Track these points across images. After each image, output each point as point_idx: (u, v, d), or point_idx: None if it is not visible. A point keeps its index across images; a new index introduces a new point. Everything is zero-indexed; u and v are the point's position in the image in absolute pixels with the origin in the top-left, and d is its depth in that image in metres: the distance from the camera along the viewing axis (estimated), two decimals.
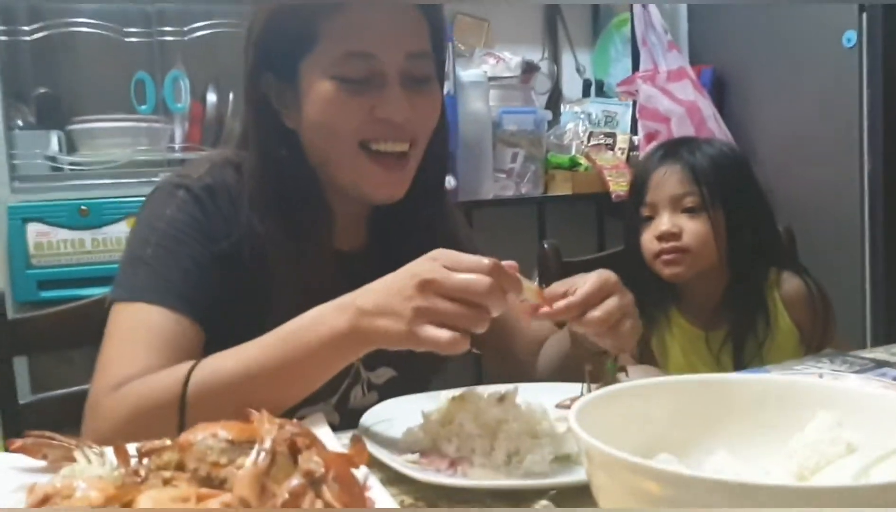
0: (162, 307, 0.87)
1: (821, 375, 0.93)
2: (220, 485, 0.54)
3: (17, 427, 1.15)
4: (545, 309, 0.80)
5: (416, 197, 0.98)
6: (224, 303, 0.90)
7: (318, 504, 0.50)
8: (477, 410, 0.76)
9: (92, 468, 0.64)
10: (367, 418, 0.81)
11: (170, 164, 2.17)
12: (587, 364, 0.88)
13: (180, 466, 0.58)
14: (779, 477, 0.59)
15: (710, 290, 1.40)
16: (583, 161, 2.62)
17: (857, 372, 1.02)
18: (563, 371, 0.98)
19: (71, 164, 2.12)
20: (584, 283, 0.82)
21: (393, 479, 0.68)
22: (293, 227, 0.95)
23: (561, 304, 0.80)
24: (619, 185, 2.53)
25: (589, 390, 0.86)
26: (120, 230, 2.08)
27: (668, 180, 1.36)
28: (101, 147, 2.16)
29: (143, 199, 1.00)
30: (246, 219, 0.94)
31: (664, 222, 1.35)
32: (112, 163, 2.13)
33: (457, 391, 0.80)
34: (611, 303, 0.81)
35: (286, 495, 0.49)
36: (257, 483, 0.50)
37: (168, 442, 0.62)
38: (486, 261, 0.73)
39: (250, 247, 0.93)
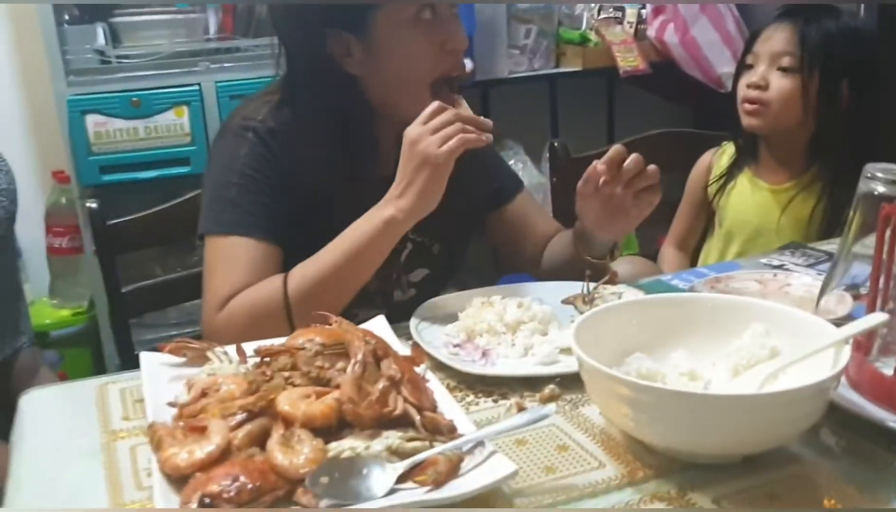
0: (248, 238, 1.08)
1: (774, 275, 1.13)
2: (326, 383, 0.77)
3: (122, 310, 1.39)
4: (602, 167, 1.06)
5: None
6: (295, 225, 1.11)
7: (399, 399, 0.73)
8: (501, 313, 0.99)
9: (224, 367, 0.87)
10: (417, 316, 1.03)
11: (207, 54, 2.31)
12: (587, 269, 1.10)
13: (294, 368, 0.80)
14: (720, 369, 0.81)
15: (791, 148, 1.48)
16: (592, 36, 2.72)
17: (809, 265, 1.23)
18: (563, 270, 1.19)
19: (118, 56, 2.26)
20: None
21: (440, 366, 0.91)
22: (345, 157, 1.13)
23: (602, 160, 1.06)
24: (626, 61, 2.65)
25: (588, 289, 1.09)
26: (168, 119, 2.26)
27: (775, 37, 1.45)
28: (143, 39, 2.29)
29: (216, 137, 1.19)
30: (306, 152, 1.11)
31: (757, 73, 1.45)
32: (155, 54, 2.27)
33: (484, 296, 1.03)
34: (630, 159, 1.05)
35: (378, 394, 0.72)
36: (357, 385, 0.73)
37: (277, 343, 0.85)
38: (434, 105, 1.02)
39: (310, 175, 1.12)
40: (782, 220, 1.48)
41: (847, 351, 0.71)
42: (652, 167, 1.07)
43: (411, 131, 1.02)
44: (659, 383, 0.78)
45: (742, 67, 1.50)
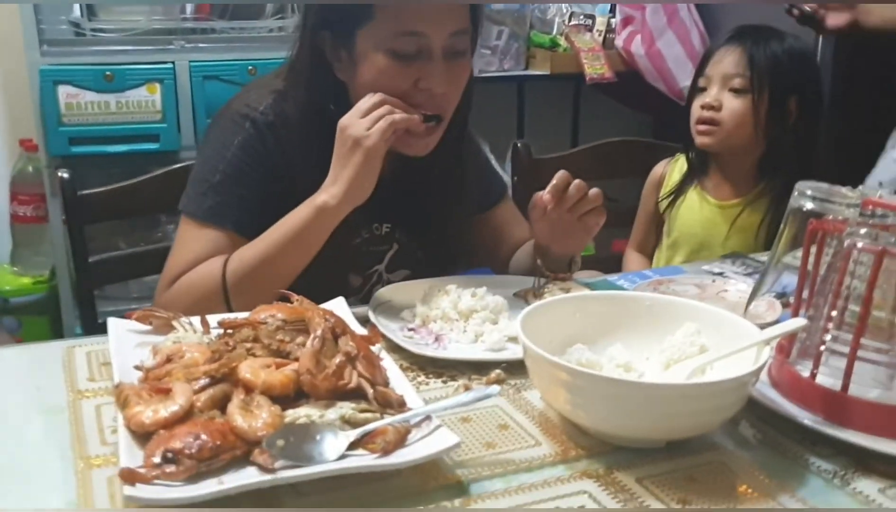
0: (222, 230, 1.11)
1: (713, 280, 1.20)
2: (286, 355, 0.81)
3: (88, 280, 1.41)
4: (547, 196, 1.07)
5: (438, 146, 1.15)
6: (272, 221, 1.11)
7: (354, 374, 0.77)
8: (456, 301, 1.04)
9: (189, 335, 0.90)
10: (375, 299, 1.07)
11: (183, 33, 2.33)
12: (538, 274, 1.16)
13: (256, 340, 0.85)
14: (653, 362, 0.87)
15: (740, 165, 1.55)
16: (562, 42, 2.79)
17: (748, 274, 1.30)
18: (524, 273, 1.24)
19: (92, 29, 2.26)
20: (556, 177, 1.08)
21: (395, 348, 0.96)
22: (329, 162, 1.11)
23: (548, 189, 1.07)
24: (593, 69, 2.72)
25: (538, 283, 1.15)
26: (140, 95, 2.27)
27: (725, 59, 1.52)
28: (119, 13, 2.30)
29: (209, 123, 1.21)
30: (295, 149, 1.13)
31: (710, 95, 1.52)
32: (131, 30, 2.28)
33: (441, 284, 1.07)
34: (572, 185, 1.07)
35: (334, 368, 0.77)
36: (315, 359, 0.77)
37: (240, 317, 0.89)
38: (374, 97, 1.04)
39: (297, 174, 1.12)
40: (729, 234, 1.55)
41: (767, 351, 0.77)
42: (594, 192, 1.09)
43: (343, 119, 1.04)
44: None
45: (695, 89, 1.57)
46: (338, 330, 0.84)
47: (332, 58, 1.13)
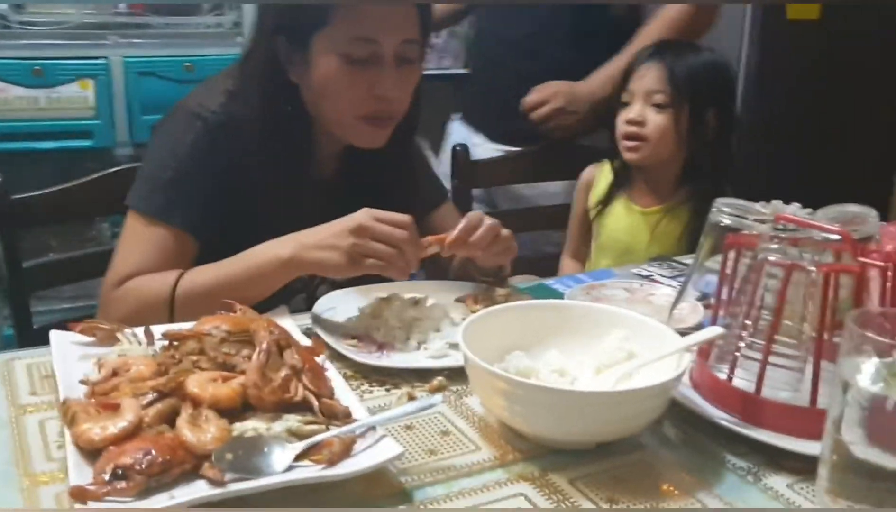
0: (170, 226, 1.12)
1: (641, 285, 1.26)
2: (231, 368, 0.83)
3: (21, 285, 1.39)
4: (445, 244, 1.08)
5: (389, 144, 1.20)
6: (221, 222, 1.14)
7: (300, 387, 0.80)
8: (398, 309, 1.07)
9: (133, 348, 0.92)
10: (318, 307, 1.10)
11: (117, 28, 2.29)
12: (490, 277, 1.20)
13: (201, 352, 0.86)
14: (586, 367, 0.92)
15: (662, 175, 1.62)
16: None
17: (674, 277, 1.36)
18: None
19: (20, 22, 2.21)
20: (466, 218, 1.10)
21: (338, 356, 0.98)
22: (282, 160, 1.16)
23: (449, 239, 1.08)
24: None
25: (478, 290, 1.19)
26: (72, 91, 2.23)
27: (647, 76, 1.57)
28: (48, 6, 2.24)
29: (157, 122, 1.21)
30: (246, 150, 1.14)
31: (634, 110, 1.58)
32: (61, 24, 2.23)
33: (384, 292, 1.10)
34: (480, 231, 1.09)
35: (280, 381, 0.79)
36: (261, 372, 0.79)
37: (185, 328, 0.90)
38: (405, 218, 1.02)
39: (248, 174, 1.15)
40: (651, 240, 1.62)
41: (688, 357, 0.83)
42: (505, 233, 1.13)
43: (364, 218, 1.02)
44: (532, 379, 0.88)
45: (619, 105, 1.62)
46: (282, 342, 0.86)
47: (285, 61, 1.15)
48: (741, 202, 0.92)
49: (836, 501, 0.67)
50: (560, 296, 1.24)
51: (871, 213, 0.90)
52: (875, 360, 0.67)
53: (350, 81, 1.12)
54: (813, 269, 0.83)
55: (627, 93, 1.60)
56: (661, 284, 1.30)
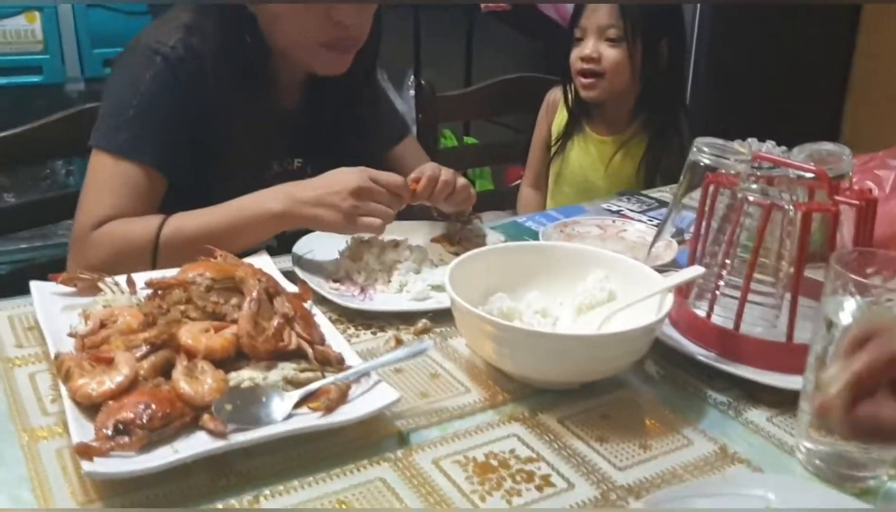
0: (138, 163, 1.09)
1: (613, 221, 1.27)
2: (222, 318, 0.83)
3: None
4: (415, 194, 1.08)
5: (350, 73, 1.18)
6: (189, 154, 1.13)
7: (293, 335, 0.80)
8: (378, 252, 1.07)
9: (118, 298, 0.90)
10: (297, 249, 1.09)
11: None
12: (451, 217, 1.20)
13: (188, 301, 0.85)
14: (567, 307, 0.93)
15: (618, 108, 1.63)
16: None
17: (643, 211, 1.38)
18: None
19: None
20: (425, 171, 1.09)
21: (322, 300, 0.98)
22: (244, 91, 1.15)
23: (417, 189, 1.08)
24: None
25: (452, 228, 1.19)
26: (18, 24, 2.13)
27: (600, 11, 1.56)
28: None
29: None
30: (207, 82, 1.12)
31: (588, 46, 1.57)
32: None
33: (364, 235, 1.10)
34: (439, 185, 1.09)
35: (273, 330, 0.79)
36: (253, 321, 0.79)
37: (169, 276, 0.89)
38: (399, 179, 1.04)
39: (210, 107, 1.13)
40: (608, 170, 1.64)
41: (670, 299, 0.85)
42: (461, 183, 1.13)
43: (363, 180, 1.01)
44: (517, 322, 0.89)
45: (572, 41, 1.61)
46: (271, 290, 0.86)
47: None
48: (720, 141, 0.93)
49: (820, 435, 0.71)
50: (534, 234, 1.25)
51: (845, 152, 0.92)
52: (857, 297, 0.69)
53: (306, 8, 1.10)
54: (790, 208, 0.85)
55: (580, 29, 1.59)
56: (632, 219, 1.31)
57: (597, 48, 1.57)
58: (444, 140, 2.84)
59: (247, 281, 0.85)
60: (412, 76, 2.77)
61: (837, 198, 0.85)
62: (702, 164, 0.92)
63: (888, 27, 2.81)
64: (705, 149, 0.91)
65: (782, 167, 0.88)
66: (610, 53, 1.56)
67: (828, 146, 0.92)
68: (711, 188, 0.90)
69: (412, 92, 2.73)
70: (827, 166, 0.89)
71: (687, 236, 1.21)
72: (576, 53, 1.60)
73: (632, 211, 1.38)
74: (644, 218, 1.34)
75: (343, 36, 1.13)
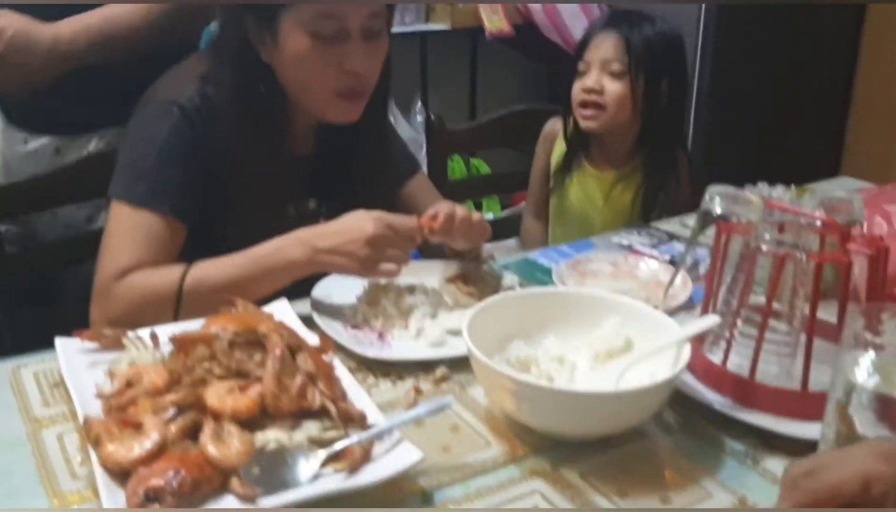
0: (158, 214, 1.11)
1: (626, 258, 1.28)
2: (246, 375, 0.84)
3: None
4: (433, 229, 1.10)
5: (363, 117, 1.20)
6: (204, 203, 1.14)
7: (316, 393, 0.81)
8: (395, 297, 1.08)
9: (142, 354, 0.91)
10: (316, 293, 1.10)
11: None
12: (464, 255, 1.21)
13: (212, 357, 0.86)
14: (584, 354, 0.94)
15: (618, 143, 1.64)
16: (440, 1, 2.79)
17: (654, 245, 1.39)
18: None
19: None
20: (441, 209, 1.11)
21: (341, 347, 0.99)
22: (260, 139, 1.16)
23: (435, 226, 1.10)
24: (492, 23, 2.74)
25: (465, 268, 1.20)
26: None
27: (604, 45, 1.57)
28: None
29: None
30: (224, 131, 1.14)
31: (591, 78, 1.58)
32: None
33: (380, 280, 1.11)
34: (458, 222, 1.11)
35: (297, 389, 0.80)
36: (277, 380, 0.80)
37: (192, 329, 0.90)
38: (413, 223, 1.06)
39: (227, 155, 1.15)
40: (605, 205, 1.65)
41: (687, 350, 0.85)
42: (477, 218, 1.15)
43: (379, 227, 1.04)
44: (534, 369, 0.91)
45: (575, 73, 1.62)
46: (293, 345, 0.87)
47: (256, 41, 1.14)
48: (732, 190, 0.94)
49: None
50: (547, 271, 1.26)
51: (856, 198, 0.92)
52: (871, 353, 0.70)
53: (319, 58, 1.12)
54: (803, 257, 0.86)
55: (583, 62, 1.61)
56: (644, 254, 1.32)
57: (599, 80, 1.58)
58: (450, 162, 2.86)
59: (270, 337, 0.86)
60: (419, 102, 2.79)
61: (849, 247, 0.85)
62: (715, 214, 0.92)
63: (889, 47, 2.82)
64: (717, 198, 0.92)
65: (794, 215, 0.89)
66: (612, 87, 1.57)
67: (839, 193, 0.93)
68: (724, 237, 0.91)
69: (420, 117, 2.75)
70: (838, 213, 0.90)
71: (702, 270, 1.23)
72: (578, 85, 1.61)
73: (642, 245, 1.39)
74: (655, 253, 1.35)
75: (354, 84, 1.15)
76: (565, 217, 1.71)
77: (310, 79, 1.14)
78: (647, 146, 1.63)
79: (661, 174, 1.62)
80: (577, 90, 1.61)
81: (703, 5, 2.66)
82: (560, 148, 1.71)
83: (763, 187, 0.97)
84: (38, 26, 1.28)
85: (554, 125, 1.75)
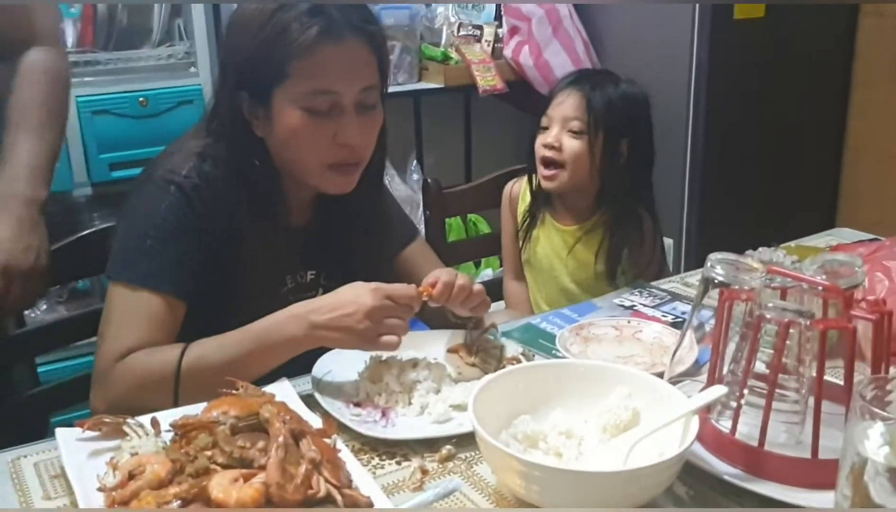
0: (158, 293, 1.12)
1: (629, 321, 1.29)
2: (249, 463, 0.83)
3: None
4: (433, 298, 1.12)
5: (359, 187, 1.22)
6: (203, 280, 1.15)
7: (322, 481, 0.81)
8: (398, 372, 1.08)
9: (144, 442, 0.91)
10: (316, 371, 1.10)
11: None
12: (466, 322, 1.21)
13: (214, 445, 0.86)
14: (592, 426, 0.94)
15: (579, 199, 1.66)
16: (453, 54, 2.84)
17: (656, 305, 1.40)
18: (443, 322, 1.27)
19: None
20: (440, 276, 1.13)
21: (344, 427, 0.99)
22: (257, 214, 1.18)
23: (434, 294, 1.11)
24: (485, 80, 2.78)
25: (469, 337, 1.20)
26: None
27: (566, 103, 1.60)
28: None
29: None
30: (222, 208, 1.16)
31: (551, 135, 1.61)
32: None
33: (381, 354, 1.11)
34: (456, 290, 1.13)
35: (301, 477, 0.80)
36: (281, 468, 0.80)
37: (192, 413, 0.90)
38: (412, 292, 1.06)
39: (225, 231, 1.16)
40: (569, 258, 1.67)
41: (696, 422, 0.86)
42: (477, 289, 1.16)
43: (377, 300, 1.04)
44: (541, 444, 0.90)
45: (538, 128, 1.65)
46: (296, 430, 0.87)
47: (249, 116, 1.17)
48: (732, 257, 0.95)
49: None
50: (550, 336, 1.26)
51: (857, 262, 0.93)
52: (880, 425, 0.70)
53: (313, 133, 1.13)
54: (807, 322, 0.87)
55: (546, 118, 1.64)
56: (646, 316, 1.33)
57: (559, 137, 1.61)
58: (449, 220, 2.88)
59: (272, 422, 0.86)
60: (414, 161, 2.82)
61: (853, 313, 0.86)
62: (716, 281, 0.93)
63: (880, 89, 2.87)
64: (718, 267, 0.93)
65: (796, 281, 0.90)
66: (571, 144, 1.60)
67: (840, 256, 0.94)
68: (727, 304, 0.92)
69: (416, 176, 2.78)
70: (840, 277, 0.91)
71: (708, 328, 1.23)
72: (540, 140, 1.64)
73: (645, 306, 1.40)
74: (658, 313, 1.35)
75: (348, 156, 1.17)
76: (534, 271, 1.74)
77: (302, 153, 1.15)
78: (606, 203, 1.65)
79: (622, 232, 1.64)
80: (539, 145, 1.65)
81: (694, 65, 2.71)
82: (524, 203, 1.74)
83: (764, 252, 0.98)
84: None
85: (513, 186, 1.79)
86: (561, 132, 1.61)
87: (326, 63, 1.11)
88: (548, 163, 1.62)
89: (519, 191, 1.76)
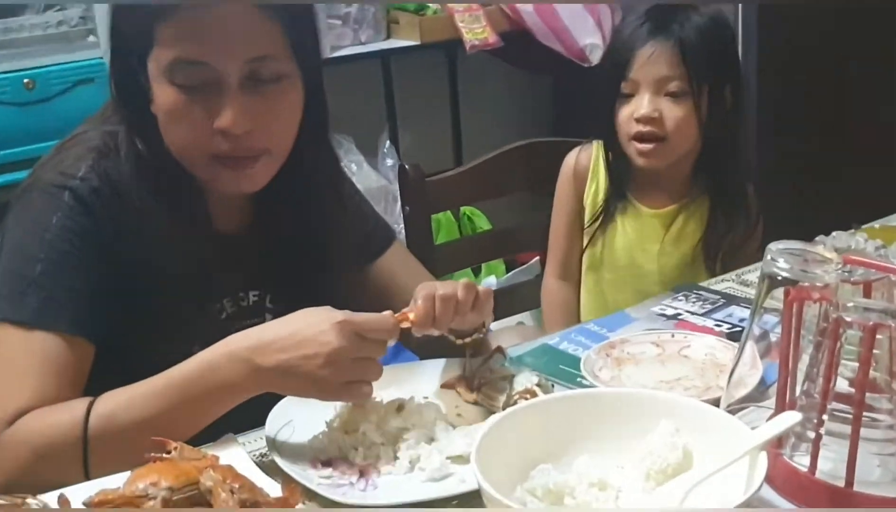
0: (54, 333, 1.11)
1: (672, 335, 1.30)
2: None
3: None
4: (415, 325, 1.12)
5: (302, 176, 1.22)
6: (113, 310, 1.15)
7: None
8: (378, 419, 1.09)
9: None
10: (270, 426, 1.10)
11: None
12: (468, 348, 1.22)
13: None
14: (631, 474, 0.95)
15: (677, 172, 1.67)
16: (431, 3, 2.85)
17: (706, 313, 1.41)
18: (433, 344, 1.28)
19: None
20: (418, 294, 1.14)
21: (312, 495, 1.00)
22: (170, 211, 1.17)
23: (415, 322, 1.12)
24: (473, 33, 2.80)
25: (467, 368, 1.21)
26: None
27: (657, 61, 1.58)
28: None
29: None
30: (130, 212, 1.15)
31: (645, 105, 1.59)
32: None
33: None
34: (439, 308, 1.12)
35: None
36: None
37: (114, 488, 0.90)
38: (388, 323, 1.06)
39: (135, 244, 1.15)
40: (663, 246, 1.68)
41: (763, 460, 0.86)
42: (483, 289, 1.18)
43: (342, 339, 1.02)
44: (568, 500, 0.91)
45: (619, 96, 1.64)
46: (248, 500, 0.88)
47: (145, 85, 1.15)
48: (798, 247, 0.96)
49: None
50: (574, 360, 1.27)
51: None
52: None
53: (187, 115, 1.13)
54: None
55: (630, 82, 1.62)
56: (696, 326, 1.34)
57: (656, 106, 1.60)
58: (435, 216, 2.89)
59: (216, 493, 0.86)
60: (387, 141, 2.83)
61: None
62: (780, 278, 0.94)
63: None
64: (781, 260, 0.94)
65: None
66: (672, 111, 1.60)
67: None
68: (795, 307, 0.93)
69: (389, 160, 2.79)
70: None
71: (773, 338, 1.24)
72: (627, 112, 1.63)
73: (692, 314, 1.41)
74: (710, 323, 1.37)
75: (233, 147, 1.14)
76: (608, 271, 1.74)
77: (179, 139, 1.15)
78: (708, 170, 1.67)
79: (729, 205, 1.65)
80: (627, 119, 1.63)
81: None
82: (595, 186, 1.73)
83: (840, 237, 0.99)
84: None
85: (579, 156, 1.77)
86: (656, 98, 1.60)
87: (191, 28, 1.10)
88: (645, 138, 1.62)
89: (588, 164, 1.75)
